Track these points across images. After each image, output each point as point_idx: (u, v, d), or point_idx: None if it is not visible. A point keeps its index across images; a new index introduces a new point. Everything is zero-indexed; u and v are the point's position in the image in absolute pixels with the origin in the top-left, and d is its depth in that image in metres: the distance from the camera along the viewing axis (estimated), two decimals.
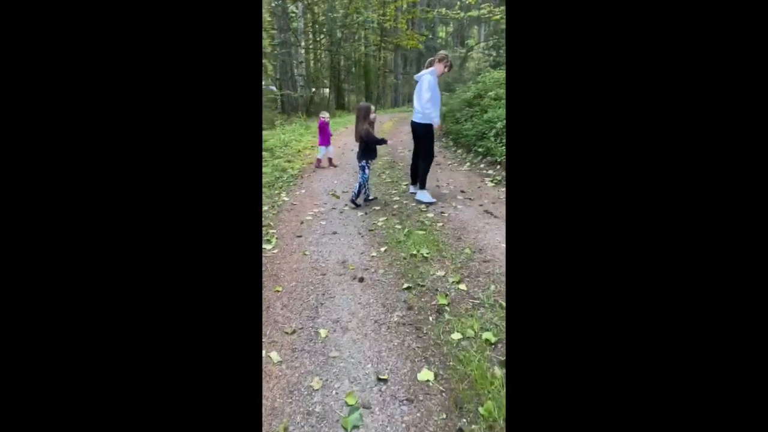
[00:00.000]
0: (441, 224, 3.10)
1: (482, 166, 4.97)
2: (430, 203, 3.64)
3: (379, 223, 3.18)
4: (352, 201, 3.66)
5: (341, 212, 3.52)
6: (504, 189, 4.06)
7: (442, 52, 3.74)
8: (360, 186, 3.63)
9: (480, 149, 5.26)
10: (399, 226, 3.08)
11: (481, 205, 3.55)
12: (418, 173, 3.72)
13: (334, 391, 1.46)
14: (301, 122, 10.40)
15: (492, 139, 5.10)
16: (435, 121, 3.55)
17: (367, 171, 3.61)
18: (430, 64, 3.67)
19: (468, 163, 5.25)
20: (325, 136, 5.46)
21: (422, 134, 3.62)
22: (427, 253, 2.56)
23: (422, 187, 3.73)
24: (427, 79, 3.52)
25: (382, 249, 2.69)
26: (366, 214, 3.46)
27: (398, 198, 3.89)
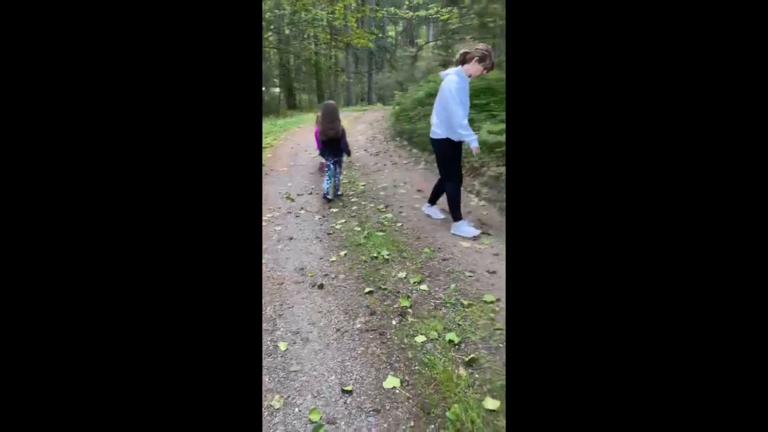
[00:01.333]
0: (400, 224, 3.09)
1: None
2: (474, 237, 2.70)
3: (338, 226, 3.11)
4: (333, 197, 3.77)
5: (297, 216, 3.40)
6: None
7: (482, 45, 2.52)
8: (337, 181, 3.79)
9: None
10: (358, 228, 3.03)
11: (437, 204, 3.59)
12: (448, 201, 2.79)
13: (296, 409, 1.38)
14: None
15: None
16: (472, 144, 2.57)
17: (339, 167, 3.76)
18: (463, 59, 2.52)
19: (424, 162, 5.30)
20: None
21: (441, 153, 2.71)
22: (388, 255, 2.53)
23: (455, 218, 2.77)
24: (452, 83, 2.49)
25: (342, 253, 2.63)
26: (324, 217, 3.37)
27: (356, 199, 3.84)
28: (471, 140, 2.58)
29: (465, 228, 2.77)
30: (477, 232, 2.74)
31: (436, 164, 2.94)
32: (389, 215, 3.30)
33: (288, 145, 7.39)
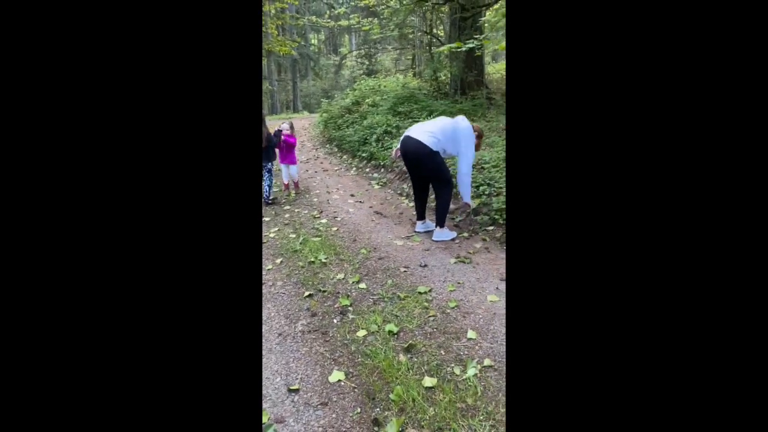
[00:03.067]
0: (335, 229, 3.16)
1: (368, 170, 5.19)
2: (451, 239, 2.85)
3: (272, 234, 3.08)
4: (265, 202, 3.85)
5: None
6: (390, 191, 4.32)
7: (476, 125, 2.87)
8: (268, 187, 3.88)
9: (364, 154, 5.49)
10: (293, 235, 3.03)
11: (371, 207, 3.72)
12: (442, 206, 2.79)
13: None
14: None
15: (374, 144, 5.37)
16: (466, 198, 2.82)
17: (268, 173, 3.86)
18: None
19: (354, 168, 5.42)
20: (289, 152, 4.22)
21: (434, 162, 2.69)
22: (325, 259, 2.59)
23: (440, 224, 2.82)
24: (469, 129, 2.73)
25: (278, 261, 2.62)
26: None
27: (289, 207, 3.82)
28: (466, 192, 2.78)
29: (447, 232, 2.86)
30: (454, 234, 2.88)
31: (418, 174, 2.89)
32: (324, 221, 3.35)
33: None
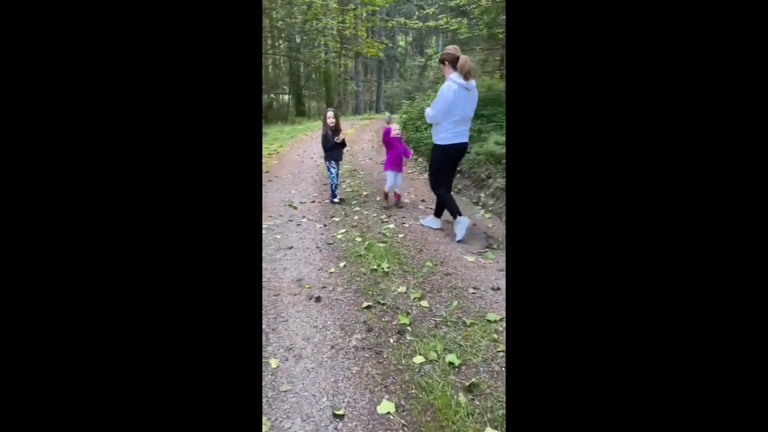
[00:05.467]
0: (402, 236, 3.02)
1: None
2: (436, 228, 3.08)
3: (339, 236, 3.04)
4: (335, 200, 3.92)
5: (298, 225, 3.34)
6: (464, 198, 4.06)
7: (450, 47, 2.73)
8: (335, 186, 3.92)
9: None
10: (359, 239, 2.95)
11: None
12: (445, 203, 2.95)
13: None
14: None
15: None
16: (438, 139, 2.81)
17: (332, 170, 3.84)
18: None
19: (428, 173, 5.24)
20: (395, 155, 3.50)
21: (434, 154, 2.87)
22: (388, 268, 2.45)
23: (436, 214, 3.10)
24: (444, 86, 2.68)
25: (341, 264, 2.55)
26: (325, 226, 3.30)
27: (359, 208, 3.77)
28: (437, 135, 2.80)
29: (431, 220, 3.13)
30: (438, 226, 3.08)
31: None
32: (391, 226, 3.23)
33: (294, 152, 7.40)
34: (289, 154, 7.22)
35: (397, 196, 3.82)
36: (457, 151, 2.81)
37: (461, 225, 2.80)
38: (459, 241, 2.82)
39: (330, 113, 3.72)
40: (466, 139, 2.80)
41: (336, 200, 3.91)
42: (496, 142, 4.34)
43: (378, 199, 4.09)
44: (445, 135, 2.74)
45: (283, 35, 15.92)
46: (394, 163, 3.54)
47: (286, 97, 18.62)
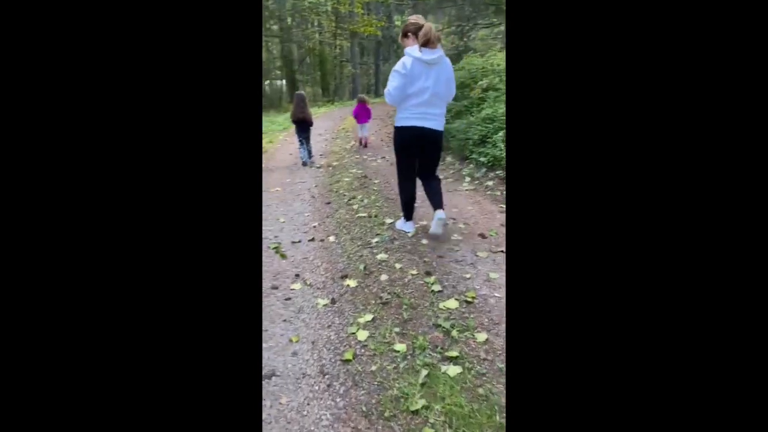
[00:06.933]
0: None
1: (489, 183, 3.58)
2: (406, 232, 2.62)
3: (362, 337, 1.67)
4: (308, 162, 4.91)
5: (287, 300, 1.98)
6: None
7: (412, 16, 2.46)
8: (309, 148, 4.94)
9: (482, 158, 3.88)
10: (400, 348, 1.59)
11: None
12: (434, 196, 2.50)
13: None
14: None
15: (501, 144, 3.73)
16: (395, 120, 2.44)
17: (307, 141, 4.86)
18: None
19: (468, 179, 3.84)
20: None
21: (439, 147, 2.51)
22: None
23: (405, 215, 2.66)
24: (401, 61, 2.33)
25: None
26: (334, 303, 1.94)
27: (385, 256, 2.37)
28: (398, 118, 2.38)
29: (402, 223, 2.67)
30: (410, 231, 2.61)
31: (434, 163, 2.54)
32: (453, 305, 1.87)
33: (286, 149, 6.00)
34: (280, 153, 5.83)
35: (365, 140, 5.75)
36: (415, 136, 2.33)
37: (405, 227, 2.62)
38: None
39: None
40: (428, 124, 2.29)
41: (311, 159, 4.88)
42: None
43: (411, 236, 2.68)
44: (401, 115, 2.34)
45: (276, 14, 14.23)
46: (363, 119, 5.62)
47: (279, 82, 17.03)
